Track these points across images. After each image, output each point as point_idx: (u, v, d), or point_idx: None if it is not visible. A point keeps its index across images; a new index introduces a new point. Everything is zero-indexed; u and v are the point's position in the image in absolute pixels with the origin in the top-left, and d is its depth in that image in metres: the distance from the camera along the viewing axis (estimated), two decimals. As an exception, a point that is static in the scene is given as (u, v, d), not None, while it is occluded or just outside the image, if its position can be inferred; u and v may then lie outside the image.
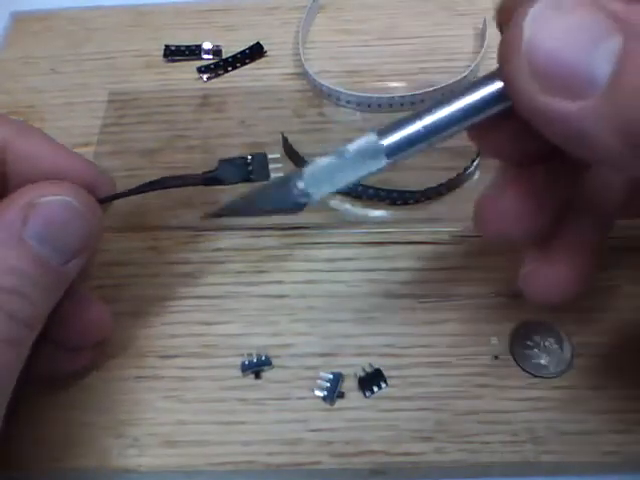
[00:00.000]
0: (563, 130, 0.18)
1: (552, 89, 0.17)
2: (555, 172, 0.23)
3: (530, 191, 0.23)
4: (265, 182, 0.27)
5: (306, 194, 0.23)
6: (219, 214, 0.26)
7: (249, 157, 0.28)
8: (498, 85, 0.20)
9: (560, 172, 0.23)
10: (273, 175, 0.28)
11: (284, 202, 0.24)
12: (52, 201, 0.23)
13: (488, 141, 0.23)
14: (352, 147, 0.22)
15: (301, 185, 0.23)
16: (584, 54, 0.16)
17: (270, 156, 0.28)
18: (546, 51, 0.17)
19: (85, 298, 0.27)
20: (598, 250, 0.25)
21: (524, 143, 0.22)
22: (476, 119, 0.21)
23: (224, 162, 0.28)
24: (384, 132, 0.22)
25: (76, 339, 0.27)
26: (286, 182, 0.24)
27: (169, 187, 0.28)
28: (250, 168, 0.28)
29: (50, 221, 0.23)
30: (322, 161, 0.23)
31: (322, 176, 0.23)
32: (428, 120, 0.21)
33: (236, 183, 0.28)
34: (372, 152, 0.22)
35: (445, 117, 0.21)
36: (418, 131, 0.21)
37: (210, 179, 0.28)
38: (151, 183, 0.28)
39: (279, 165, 0.28)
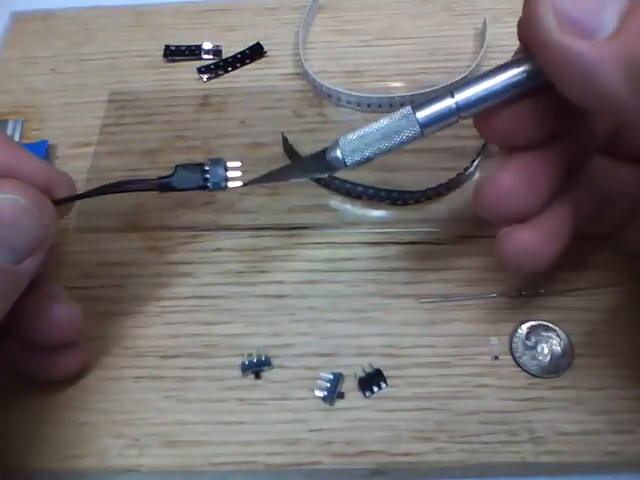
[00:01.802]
0: (574, 66, 0.20)
1: (569, 27, 0.20)
2: (549, 155, 0.25)
3: (526, 172, 0.25)
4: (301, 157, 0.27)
5: (341, 160, 0.25)
6: (256, 181, 0.27)
7: (207, 164, 0.27)
8: (524, 68, 0.23)
9: (554, 155, 0.25)
10: (231, 184, 0.27)
11: (320, 169, 0.26)
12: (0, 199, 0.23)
13: (495, 126, 0.25)
14: (387, 118, 0.25)
15: (337, 153, 0.25)
16: (597, 7, 0.20)
17: (230, 164, 0.27)
18: None
19: (53, 296, 0.27)
20: (572, 224, 0.26)
21: (530, 125, 0.24)
22: (502, 98, 0.23)
23: (181, 168, 0.27)
24: (419, 106, 0.24)
25: (46, 337, 0.27)
26: (322, 152, 0.26)
27: (125, 191, 0.27)
28: (207, 175, 0.27)
29: None
30: (358, 130, 0.25)
31: (357, 143, 0.25)
32: (460, 97, 0.24)
33: (191, 190, 0.27)
34: (406, 123, 0.24)
35: (475, 95, 0.23)
36: (450, 107, 0.24)
37: (164, 185, 0.27)
38: (109, 186, 0.27)
39: (239, 174, 0.27)
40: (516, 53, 0.25)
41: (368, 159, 0.26)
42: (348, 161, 0.25)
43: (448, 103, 0.24)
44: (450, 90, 0.24)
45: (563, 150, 0.25)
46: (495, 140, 0.26)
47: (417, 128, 0.24)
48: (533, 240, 0.26)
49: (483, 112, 0.24)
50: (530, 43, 0.21)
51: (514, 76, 0.23)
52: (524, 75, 0.23)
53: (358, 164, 0.26)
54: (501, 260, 0.27)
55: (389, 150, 0.25)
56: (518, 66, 0.23)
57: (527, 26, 0.21)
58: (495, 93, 0.23)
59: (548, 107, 0.24)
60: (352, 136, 0.25)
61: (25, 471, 0.28)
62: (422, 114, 0.24)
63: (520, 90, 0.23)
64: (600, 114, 0.26)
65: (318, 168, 0.26)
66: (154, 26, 0.45)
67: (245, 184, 0.27)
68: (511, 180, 0.25)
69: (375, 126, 0.25)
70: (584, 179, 0.27)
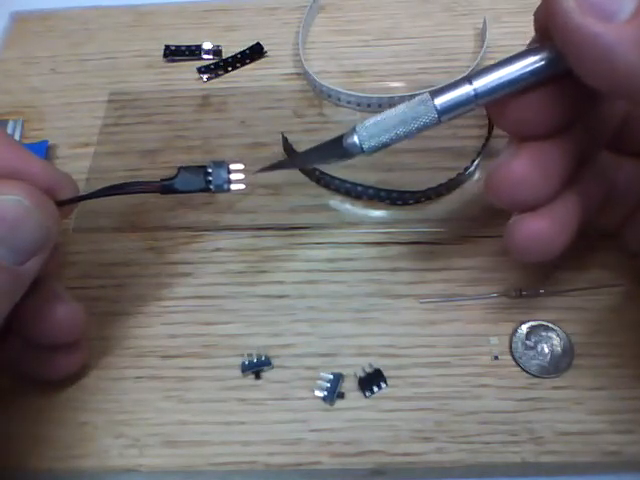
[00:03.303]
0: (594, 48, 0.20)
1: (588, 10, 0.20)
2: (562, 144, 0.25)
3: (540, 160, 0.25)
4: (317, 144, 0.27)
5: (358, 146, 0.25)
6: (270, 169, 0.27)
7: (209, 166, 0.27)
8: (542, 55, 0.23)
9: (567, 144, 0.25)
10: (234, 186, 0.27)
11: (336, 155, 0.26)
12: (2, 200, 0.23)
13: (510, 114, 0.25)
14: (405, 104, 0.25)
15: (354, 139, 0.25)
16: None
17: (233, 167, 0.27)
18: None
19: (56, 296, 0.27)
20: (580, 215, 0.27)
21: (545, 113, 0.24)
22: (519, 86, 0.24)
23: (183, 170, 0.27)
24: (436, 92, 0.24)
25: (48, 337, 0.27)
26: (339, 138, 0.26)
27: (128, 193, 0.27)
28: (210, 178, 0.27)
29: (1, 220, 0.23)
30: (375, 116, 0.25)
31: (374, 129, 0.25)
32: (478, 84, 0.24)
33: (194, 192, 0.27)
34: (424, 109, 0.24)
35: (493, 82, 0.24)
36: (468, 94, 0.24)
37: (167, 187, 0.27)
38: (111, 187, 0.27)
39: (241, 176, 0.27)
40: (530, 43, 0.25)
41: (385, 145, 0.25)
42: (365, 147, 0.25)
43: (466, 90, 0.24)
44: (468, 77, 0.24)
45: (575, 140, 0.26)
46: (510, 129, 0.26)
47: (434, 114, 0.24)
48: (544, 228, 0.26)
49: (499, 100, 0.24)
50: (550, 26, 0.22)
51: (532, 63, 0.23)
52: (542, 62, 0.23)
53: (375, 150, 0.26)
54: (510, 249, 0.27)
55: (406, 136, 0.25)
56: (536, 54, 0.23)
57: (547, 10, 0.21)
58: (513, 80, 0.23)
59: (563, 96, 0.24)
60: (369, 122, 0.25)
61: (25, 471, 0.28)
62: (440, 100, 0.24)
63: (537, 78, 0.23)
64: (617, 97, 0.26)
65: (334, 154, 0.26)
66: (154, 26, 0.45)
67: (258, 171, 0.27)
68: (525, 167, 0.25)
69: (392, 112, 0.25)
70: (593, 171, 0.28)
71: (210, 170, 0.27)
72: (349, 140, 0.26)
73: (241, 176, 0.27)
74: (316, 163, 0.28)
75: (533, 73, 0.23)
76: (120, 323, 0.32)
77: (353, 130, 0.26)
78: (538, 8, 0.24)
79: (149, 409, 0.29)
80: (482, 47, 0.40)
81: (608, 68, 0.20)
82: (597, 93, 0.22)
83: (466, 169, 0.35)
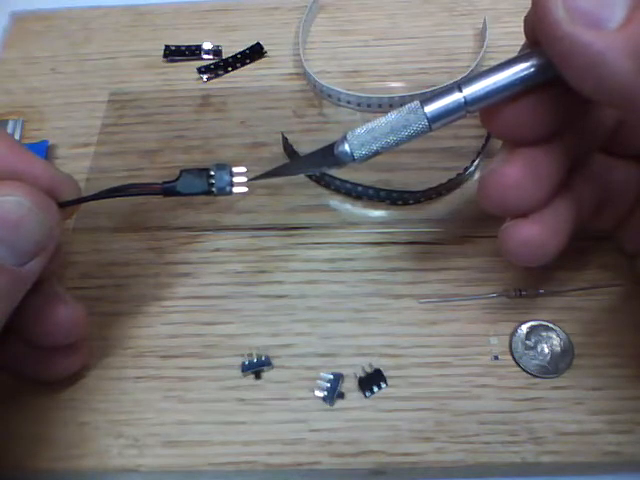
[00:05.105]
0: (583, 56, 0.20)
1: (578, 18, 0.20)
2: (554, 149, 0.25)
3: (532, 165, 0.25)
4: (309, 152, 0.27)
5: (349, 154, 0.25)
6: (262, 177, 0.27)
7: (212, 169, 0.27)
8: (532, 62, 0.23)
9: (559, 149, 0.25)
10: (236, 189, 0.27)
11: (328, 163, 0.26)
12: (3, 201, 0.23)
13: (501, 120, 0.25)
14: (395, 112, 0.25)
15: (345, 147, 0.25)
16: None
17: (235, 169, 0.27)
18: None
19: (57, 297, 0.27)
20: (573, 220, 0.27)
21: (536, 119, 0.24)
22: (509, 93, 0.24)
23: (185, 172, 0.27)
24: (427, 101, 0.24)
25: (49, 338, 0.27)
26: (330, 146, 0.26)
27: (130, 195, 0.27)
28: (212, 181, 0.26)
29: (2, 221, 0.23)
30: (366, 124, 0.25)
31: (365, 137, 0.25)
32: (468, 92, 0.24)
33: (196, 195, 0.27)
34: (414, 117, 0.24)
35: (483, 89, 0.24)
36: (458, 101, 0.24)
37: (169, 189, 0.27)
38: (113, 190, 0.27)
39: (244, 179, 0.27)
40: (522, 49, 0.25)
41: (376, 153, 0.26)
42: (356, 155, 0.25)
43: (456, 97, 0.24)
44: (458, 84, 0.24)
45: (568, 145, 0.26)
46: (501, 134, 0.26)
47: (425, 122, 0.24)
48: (535, 234, 0.26)
49: (490, 106, 0.24)
50: (539, 35, 0.22)
51: (522, 70, 0.23)
52: (532, 70, 0.23)
53: (366, 158, 0.26)
54: (504, 254, 0.27)
55: (397, 144, 0.25)
56: (526, 60, 0.23)
57: (536, 18, 0.21)
58: (503, 87, 0.23)
59: (554, 101, 0.24)
60: (360, 130, 0.25)
61: (25, 471, 0.28)
62: (430, 108, 0.24)
63: (527, 85, 0.23)
64: (608, 105, 0.26)
65: (326, 162, 0.26)
66: (154, 26, 0.45)
67: (251, 179, 0.27)
68: (517, 172, 0.25)
69: (383, 120, 0.25)
70: (586, 175, 0.28)
71: (212, 173, 0.27)
72: (340, 148, 0.26)
73: (244, 179, 0.27)
74: (308, 171, 0.28)
75: (523, 80, 0.23)
76: (120, 323, 0.32)
77: (344, 138, 0.26)
78: (528, 13, 0.24)
79: (149, 409, 0.29)
80: (482, 47, 0.40)
81: (597, 76, 0.20)
82: (589, 99, 0.22)
83: (466, 169, 0.35)
